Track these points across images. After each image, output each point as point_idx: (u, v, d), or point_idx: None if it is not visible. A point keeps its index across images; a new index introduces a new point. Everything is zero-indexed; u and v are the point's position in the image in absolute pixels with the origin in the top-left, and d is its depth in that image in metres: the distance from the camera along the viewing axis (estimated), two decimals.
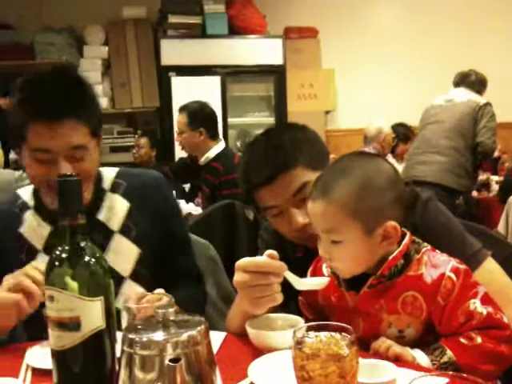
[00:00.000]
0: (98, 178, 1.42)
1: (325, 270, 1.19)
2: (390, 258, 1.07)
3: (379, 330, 1.08)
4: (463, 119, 3.61)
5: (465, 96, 3.76)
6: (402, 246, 1.08)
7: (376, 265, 1.08)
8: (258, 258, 1.09)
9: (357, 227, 1.05)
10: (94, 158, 1.32)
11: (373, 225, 1.05)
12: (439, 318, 1.04)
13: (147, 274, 1.39)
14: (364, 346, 1.05)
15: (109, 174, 1.46)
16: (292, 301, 1.24)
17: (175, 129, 3.52)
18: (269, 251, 1.09)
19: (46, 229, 1.38)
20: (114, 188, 1.42)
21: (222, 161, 3.21)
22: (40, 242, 1.37)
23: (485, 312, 1.02)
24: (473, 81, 3.88)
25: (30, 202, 1.41)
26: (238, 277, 1.09)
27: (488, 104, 3.69)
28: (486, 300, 1.04)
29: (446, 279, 1.03)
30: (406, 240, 1.09)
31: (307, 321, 1.20)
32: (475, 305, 1.02)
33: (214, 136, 3.32)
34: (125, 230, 1.38)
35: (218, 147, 3.29)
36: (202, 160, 3.29)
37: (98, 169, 1.41)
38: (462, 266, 1.06)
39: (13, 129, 1.28)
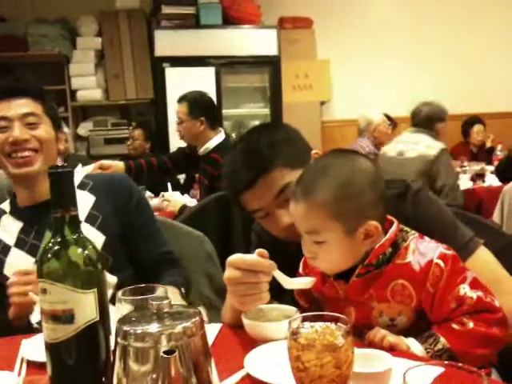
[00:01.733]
0: None
1: None
2: (377, 246, 1.07)
3: (371, 318, 1.08)
4: (419, 176, 3.37)
5: (413, 150, 3.59)
6: (389, 234, 1.08)
7: (363, 255, 1.08)
8: (248, 256, 1.09)
9: (338, 228, 1.05)
10: (50, 131, 1.53)
11: (354, 225, 1.06)
12: (430, 306, 1.05)
13: (110, 259, 1.50)
14: (357, 334, 1.05)
15: (78, 175, 1.60)
16: (287, 292, 1.25)
17: (170, 120, 3.47)
18: (259, 250, 1.09)
19: (17, 226, 1.53)
20: (82, 186, 1.57)
21: (221, 152, 3.12)
22: (12, 239, 1.51)
23: (475, 296, 1.02)
24: (421, 119, 3.71)
25: (7, 208, 1.58)
26: (229, 273, 1.09)
27: (439, 156, 3.46)
28: (476, 284, 1.04)
29: (433, 266, 1.04)
30: (394, 228, 1.09)
31: (303, 309, 1.21)
32: (465, 290, 1.03)
33: (213, 125, 3.27)
34: (90, 219, 1.51)
35: (217, 138, 3.23)
36: (202, 150, 3.24)
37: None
38: (450, 252, 1.06)
39: None
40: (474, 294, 1.02)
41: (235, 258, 1.09)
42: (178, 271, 1.60)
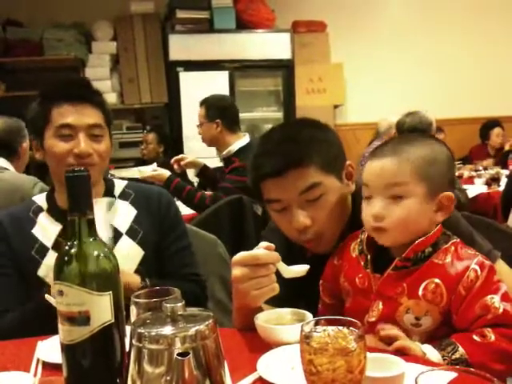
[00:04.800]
0: (111, 185, 1.57)
1: (353, 252, 1.20)
2: (417, 241, 1.09)
3: (396, 314, 1.09)
4: None
5: None
6: (430, 234, 1.10)
7: (405, 248, 1.10)
8: (257, 251, 1.10)
9: (422, 187, 1.09)
10: (109, 144, 1.49)
11: (435, 190, 1.10)
12: (457, 308, 1.05)
13: (147, 272, 1.46)
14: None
15: (120, 183, 1.60)
16: (301, 299, 1.25)
17: (184, 124, 3.46)
18: (266, 244, 1.10)
19: (56, 228, 1.48)
20: (124, 196, 1.56)
21: (241, 156, 3.06)
22: (50, 240, 1.47)
23: (501, 308, 1.02)
24: (404, 131, 3.40)
25: (44, 205, 1.52)
26: (237, 271, 1.10)
27: None
28: (506, 298, 1.04)
29: (470, 271, 1.05)
30: (436, 229, 1.12)
31: (326, 306, 1.22)
32: (493, 300, 1.03)
33: (231, 128, 3.22)
34: (131, 233, 1.50)
35: (240, 141, 3.18)
36: (224, 153, 3.20)
37: (112, 179, 1.60)
38: (488, 262, 1.08)
39: (35, 116, 1.46)
40: (501, 306, 1.02)
41: (242, 255, 1.10)
42: (200, 290, 1.55)
